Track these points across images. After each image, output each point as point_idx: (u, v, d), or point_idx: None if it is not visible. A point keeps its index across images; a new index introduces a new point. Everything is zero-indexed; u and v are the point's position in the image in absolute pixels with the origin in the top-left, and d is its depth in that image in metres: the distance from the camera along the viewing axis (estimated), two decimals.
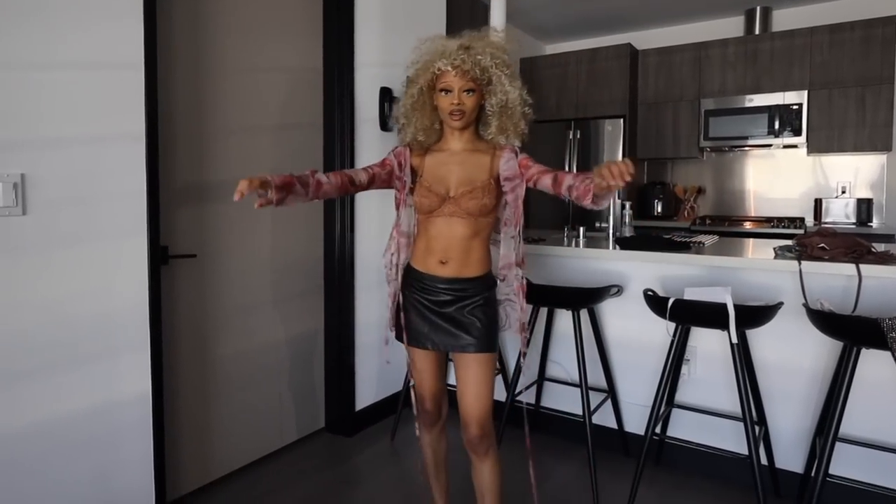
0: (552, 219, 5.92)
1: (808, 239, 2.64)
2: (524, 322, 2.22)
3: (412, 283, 2.18)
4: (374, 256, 3.56)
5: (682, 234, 3.98)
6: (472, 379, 2.12)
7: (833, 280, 2.61)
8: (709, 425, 2.98)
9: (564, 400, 3.42)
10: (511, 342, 3.59)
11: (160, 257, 2.45)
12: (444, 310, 2.12)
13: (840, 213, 5.21)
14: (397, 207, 2.22)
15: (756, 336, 2.82)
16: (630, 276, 3.16)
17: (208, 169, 2.75)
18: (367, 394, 3.59)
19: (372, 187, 2.16)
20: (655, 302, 2.65)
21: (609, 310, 3.24)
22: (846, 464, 2.64)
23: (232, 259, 2.89)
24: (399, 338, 2.24)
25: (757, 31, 5.52)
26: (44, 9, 2.01)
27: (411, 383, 2.34)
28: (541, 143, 5.98)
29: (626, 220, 3.75)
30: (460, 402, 2.14)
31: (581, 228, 3.61)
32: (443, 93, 2.04)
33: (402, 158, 2.18)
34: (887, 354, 2.46)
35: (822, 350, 2.70)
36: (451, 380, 3.51)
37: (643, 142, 5.97)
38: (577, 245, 3.29)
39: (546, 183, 2.02)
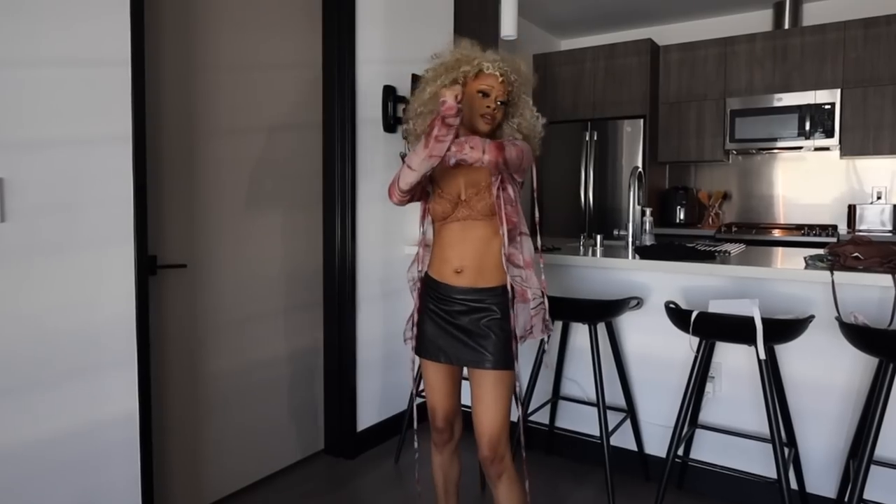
0: (568, 227, 5.92)
1: (840, 248, 2.62)
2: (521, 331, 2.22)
3: (429, 292, 2.24)
4: (376, 267, 3.56)
5: (707, 242, 3.97)
6: (485, 397, 2.15)
7: (868, 292, 2.59)
8: (735, 447, 2.96)
9: (581, 420, 3.40)
10: (522, 355, 3.57)
11: (148, 267, 2.45)
12: (457, 321, 2.16)
13: (875, 220, 5.17)
14: (423, 219, 2.29)
15: (785, 351, 2.80)
16: (651, 288, 3.15)
17: (200, 173, 2.76)
18: (369, 414, 3.58)
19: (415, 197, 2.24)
20: (678, 315, 2.64)
21: (628, 323, 3.22)
22: (882, 488, 2.61)
23: (225, 269, 2.89)
24: (416, 350, 2.29)
25: (786, 26, 5.50)
26: (25, 3, 2.02)
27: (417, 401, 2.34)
28: (555, 145, 5.98)
29: (647, 228, 3.72)
30: (474, 421, 2.17)
31: (599, 236, 3.59)
32: (480, 94, 2.14)
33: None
34: None
35: (855, 366, 2.68)
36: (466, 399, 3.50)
37: (664, 144, 5.96)
38: (594, 254, 3.27)
39: None
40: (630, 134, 5.71)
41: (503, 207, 2.13)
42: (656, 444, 3.19)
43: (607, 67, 5.97)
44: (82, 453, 2.24)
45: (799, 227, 5.45)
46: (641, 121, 5.67)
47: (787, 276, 2.69)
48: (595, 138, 5.87)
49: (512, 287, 2.17)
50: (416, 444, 2.46)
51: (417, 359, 2.33)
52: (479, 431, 2.15)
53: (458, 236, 2.16)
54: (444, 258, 2.18)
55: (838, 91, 5.11)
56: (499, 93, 2.14)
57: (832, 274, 2.50)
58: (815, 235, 5.05)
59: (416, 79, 3.49)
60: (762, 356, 2.43)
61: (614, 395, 3.23)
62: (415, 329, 2.30)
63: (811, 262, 2.70)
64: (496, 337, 2.13)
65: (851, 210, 5.34)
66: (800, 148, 5.40)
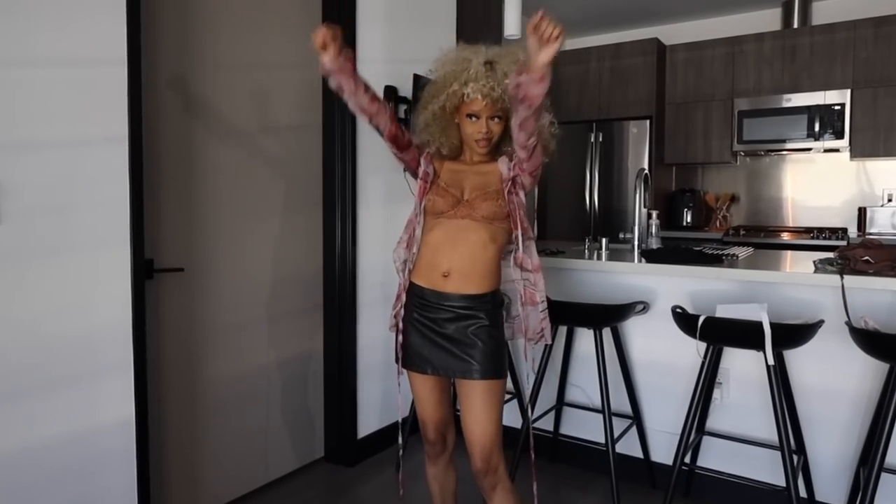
0: (572, 229, 5.91)
1: (851, 251, 2.62)
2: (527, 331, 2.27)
3: (413, 300, 2.20)
4: (377, 270, 3.56)
5: (714, 245, 3.96)
6: (475, 407, 2.12)
7: (878, 296, 2.58)
8: (743, 454, 2.95)
9: (585, 427, 3.39)
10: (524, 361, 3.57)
11: (145, 271, 2.45)
12: (444, 329, 2.14)
13: (886, 223, 5.17)
14: (419, 197, 2.22)
15: (794, 357, 2.79)
16: (657, 292, 3.14)
17: (198, 174, 2.76)
18: (370, 420, 3.58)
19: (390, 141, 2.19)
20: (685, 320, 2.64)
21: (634, 328, 3.22)
22: (892, 496, 2.61)
23: (223, 273, 2.90)
24: (400, 362, 2.26)
25: (795, 25, 5.50)
26: (19, 2, 2.03)
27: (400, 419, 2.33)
28: (560, 147, 5.95)
29: (653, 231, 3.72)
30: (464, 433, 2.15)
31: (604, 240, 3.60)
32: (470, 118, 2.12)
33: (426, 155, 2.26)
34: None
35: (866, 372, 2.67)
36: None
37: (671, 145, 5.95)
38: (599, 258, 3.28)
39: (517, 137, 2.03)
40: (636, 135, 5.70)
41: (517, 211, 2.15)
42: (662, 452, 3.18)
43: (613, 67, 5.96)
44: (78, 460, 2.24)
45: (808, 231, 5.44)
46: (647, 122, 5.67)
47: (796, 280, 2.68)
48: (600, 139, 5.86)
49: (521, 292, 2.23)
50: (400, 453, 2.44)
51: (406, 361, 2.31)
52: (470, 443, 2.13)
53: (451, 237, 2.13)
54: (433, 262, 2.15)
55: (848, 91, 5.10)
56: (489, 112, 2.10)
57: (842, 278, 2.49)
58: (824, 239, 5.04)
59: (417, 79, 3.52)
60: (771, 362, 2.43)
61: (620, 402, 3.23)
62: (399, 336, 2.27)
63: (821, 266, 2.70)
64: (484, 345, 2.11)
65: (862, 213, 5.33)
66: (809, 149, 5.39)
